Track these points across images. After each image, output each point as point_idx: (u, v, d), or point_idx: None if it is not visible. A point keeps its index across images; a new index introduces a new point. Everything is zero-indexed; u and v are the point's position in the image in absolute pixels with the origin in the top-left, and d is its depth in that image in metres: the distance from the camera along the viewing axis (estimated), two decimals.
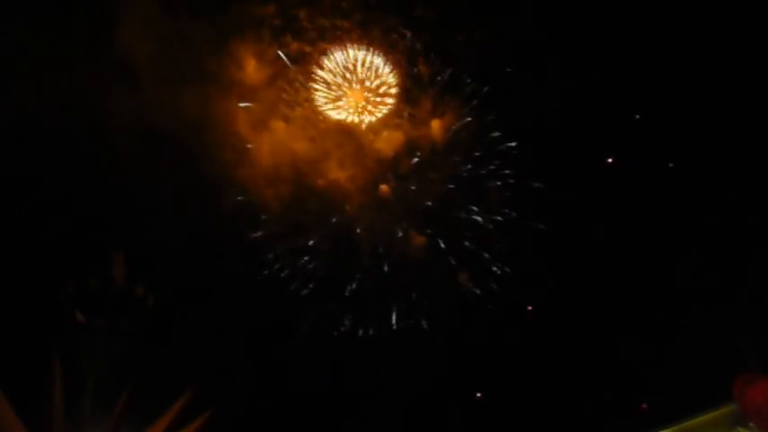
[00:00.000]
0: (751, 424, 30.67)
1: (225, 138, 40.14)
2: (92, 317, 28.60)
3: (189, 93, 38.91)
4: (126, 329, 28.92)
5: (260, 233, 40.87)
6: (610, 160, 42.37)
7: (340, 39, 41.16)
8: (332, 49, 41.71)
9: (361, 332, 40.73)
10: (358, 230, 43.13)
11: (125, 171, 38.97)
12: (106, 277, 29.27)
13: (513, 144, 43.35)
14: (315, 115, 41.96)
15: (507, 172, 43.53)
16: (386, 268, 42.04)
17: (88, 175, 38.70)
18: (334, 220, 42.25)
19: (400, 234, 42.85)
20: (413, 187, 43.25)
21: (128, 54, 38.34)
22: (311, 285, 41.35)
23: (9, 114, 37.03)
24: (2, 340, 31.43)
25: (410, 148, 42.18)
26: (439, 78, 42.11)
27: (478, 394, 42.08)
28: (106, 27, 38.14)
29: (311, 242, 42.58)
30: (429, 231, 43.07)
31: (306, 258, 42.32)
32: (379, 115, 42.55)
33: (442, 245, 43.16)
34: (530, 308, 42.42)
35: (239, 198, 40.59)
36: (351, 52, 42.13)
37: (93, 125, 38.32)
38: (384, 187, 42.72)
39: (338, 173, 41.29)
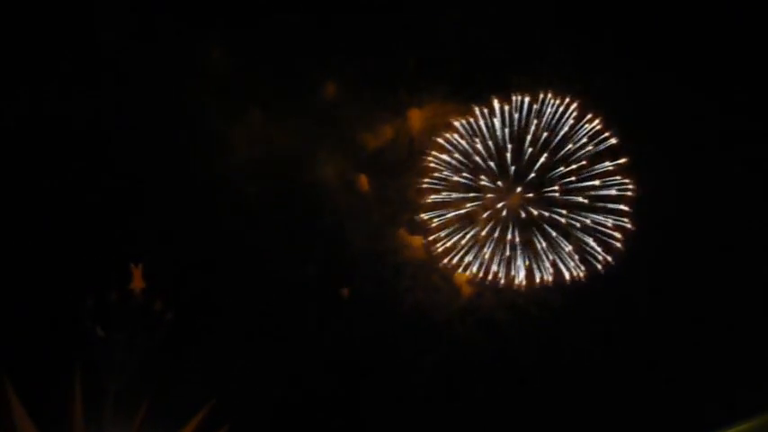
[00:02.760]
0: None
1: None
2: (111, 331, 28.91)
3: None
4: (145, 343, 29.19)
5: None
6: None
7: None
8: None
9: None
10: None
11: (145, 187, 39.62)
12: (125, 292, 29.61)
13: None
14: None
15: None
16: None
17: (106, 190, 39.24)
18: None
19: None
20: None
21: None
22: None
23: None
24: (24, 354, 31.81)
25: None
26: None
27: None
28: None
29: None
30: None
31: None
32: None
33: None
34: None
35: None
36: None
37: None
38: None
39: None
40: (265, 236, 40.41)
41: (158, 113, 40.15)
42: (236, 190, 40.27)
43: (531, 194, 39.96)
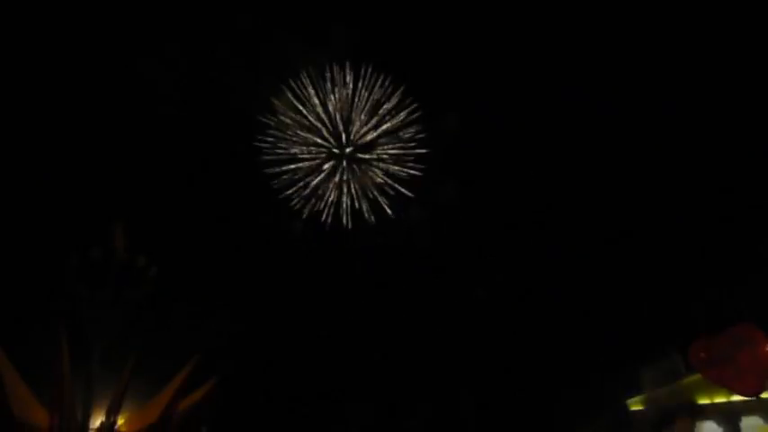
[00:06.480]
0: None
1: None
2: (95, 288, 28.96)
3: None
4: (129, 299, 29.30)
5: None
6: None
7: None
8: None
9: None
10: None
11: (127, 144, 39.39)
12: (108, 249, 29.56)
13: None
14: None
15: None
16: None
17: (87, 148, 38.97)
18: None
19: None
20: None
21: None
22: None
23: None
24: (9, 315, 31.96)
25: None
26: None
27: None
28: None
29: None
30: None
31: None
32: None
33: None
34: None
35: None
36: None
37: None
38: None
39: None
40: (246, 189, 40.44)
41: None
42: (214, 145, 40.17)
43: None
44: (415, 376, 39.34)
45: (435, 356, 40.15)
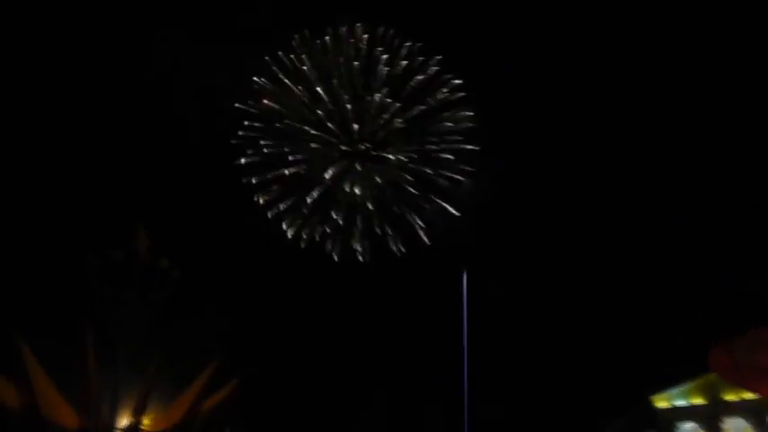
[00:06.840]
0: None
1: None
2: (119, 289, 29.39)
3: None
4: (153, 300, 29.69)
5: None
6: None
7: None
8: None
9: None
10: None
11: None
12: (132, 251, 30.01)
13: None
14: None
15: None
16: None
17: (110, 152, 39.56)
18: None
19: None
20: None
21: None
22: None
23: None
24: (36, 317, 32.55)
25: None
26: None
27: None
28: None
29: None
30: None
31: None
32: None
33: None
34: None
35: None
36: None
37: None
38: None
39: None
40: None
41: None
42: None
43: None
44: (432, 377, 39.03)
45: (450, 357, 39.34)
